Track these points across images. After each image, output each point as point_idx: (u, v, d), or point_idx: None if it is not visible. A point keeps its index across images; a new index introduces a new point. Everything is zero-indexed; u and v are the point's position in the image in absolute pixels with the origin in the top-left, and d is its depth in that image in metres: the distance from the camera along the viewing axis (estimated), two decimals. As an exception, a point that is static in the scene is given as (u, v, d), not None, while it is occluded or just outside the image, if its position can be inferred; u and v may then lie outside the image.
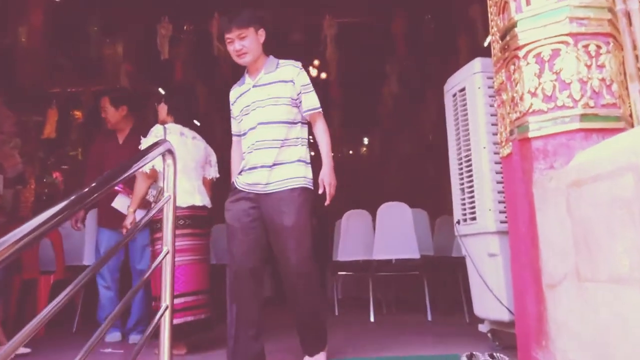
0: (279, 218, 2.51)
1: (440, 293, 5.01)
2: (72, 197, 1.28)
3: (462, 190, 2.91)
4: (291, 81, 2.66)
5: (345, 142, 14.32)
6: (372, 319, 4.33)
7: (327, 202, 2.57)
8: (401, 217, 4.38)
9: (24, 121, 6.05)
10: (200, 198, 3.26)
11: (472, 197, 2.82)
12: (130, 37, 6.69)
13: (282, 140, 2.59)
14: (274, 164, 2.56)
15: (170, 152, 2.27)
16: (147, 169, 3.15)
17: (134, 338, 3.66)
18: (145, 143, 3.16)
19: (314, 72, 9.15)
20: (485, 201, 2.71)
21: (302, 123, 2.70)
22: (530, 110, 2.02)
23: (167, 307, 2.10)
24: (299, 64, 2.75)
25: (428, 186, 12.42)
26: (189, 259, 3.16)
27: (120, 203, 3.50)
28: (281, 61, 2.74)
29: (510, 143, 2.31)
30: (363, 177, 16.74)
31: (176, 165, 2.29)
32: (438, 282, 5.13)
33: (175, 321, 3.14)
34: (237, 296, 2.56)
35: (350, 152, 17.04)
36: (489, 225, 2.68)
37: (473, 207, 2.81)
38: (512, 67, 2.16)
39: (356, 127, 13.11)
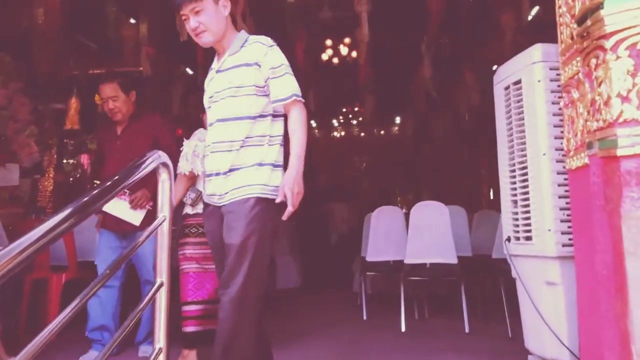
0: (227, 235, 2.03)
1: (479, 297, 4.55)
2: (67, 211, 1.18)
3: (515, 202, 2.42)
4: (255, 64, 2.08)
5: (377, 122, 13.81)
6: (403, 329, 3.91)
7: (284, 217, 2.00)
8: (438, 217, 3.91)
9: (42, 109, 5.75)
10: None
11: (528, 212, 2.33)
12: (150, 17, 6.29)
13: (241, 140, 2.07)
14: (230, 170, 2.07)
15: (165, 165, 1.86)
16: (185, 170, 2.94)
17: (144, 350, 3.34)
18: (187, 145, 2.97)
19: (344, 50, 8.63)
20: (544, 219, 2.22)
21: (275, 116, 2.13)
22: (620, 120, 1.52)
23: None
24: (269, 40, 2.14)
25: (463, 171, 11.84)
26: (200, 267, 3.05)
27: (114, 206, 3.07)
28: (251, 37, 2.17)
29: (584, 156, 1.80)
30: (394, 160, 16.20)
31: (172, 181, 1.88)
32: (477, 284, 4.67)
33: (188, 329, 3.03)
34: None
35: (382, 132, 16.50)
36: (549, 248, 2.20)
37: (528, 225, 2.32)
38: (593, 61, 1.65)
39: (388, 108, 12.58)
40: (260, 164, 2.06)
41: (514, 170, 2.43)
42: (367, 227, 5.16)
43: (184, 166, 2.95)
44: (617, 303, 1.52)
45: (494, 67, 8.20)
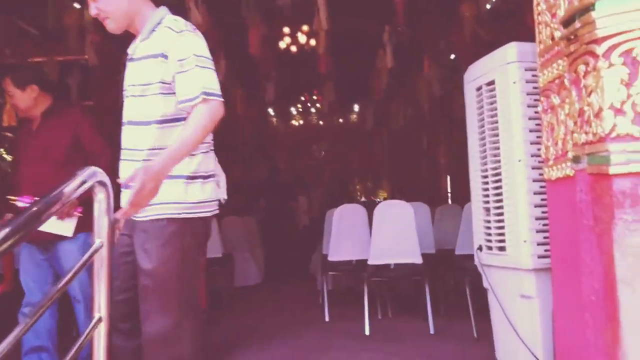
0: (140, 258, 1.73)
1: (443, 295, 4.47)
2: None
3: (487, 210, 2.29)
4: (162, 55, 1.69)
5: (335, 111, 13.63)
6: (367, 332, 3.78)
7: (118, 215, 1.60)
8: (402, 217, 3.77)
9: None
10: None
11: (501, 221, 2.19)
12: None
13: (146, 150, 1.73)
14: None
15: (102, 184, 1.60)
16: None
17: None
18: None
19: (302, 38, 8.39)
20: (519, 229, 2.09)
21: None
22: (613, 135, 1.38)
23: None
24: (181, 23, 1.74)
25: (421, 158, 11.86)
26: None
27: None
28: (165, 18, 1.77)
29: (567, 167, 1.67)
30: (353, 148, 16.11)
31: (111, 201, 1.63)
32: (440, 281, 4.59)
33: None
34: None
35: (341, 120, 16.37)
36: (524, 260, 2.07)
37: (502, 234, 2.19)
38: (582, 68, 1.50)
39: (346, 96, 12.44)
40: (179, 177, 1.71)
41: (486, 176, 2.29)
42: (329, 224, 4.99)
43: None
44: (607, 332, 1.40)
45: (452, 56, 8.22)
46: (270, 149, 15.47)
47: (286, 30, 7.86)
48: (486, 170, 2.29)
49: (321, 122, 15.77)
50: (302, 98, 14.40)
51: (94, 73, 7.33)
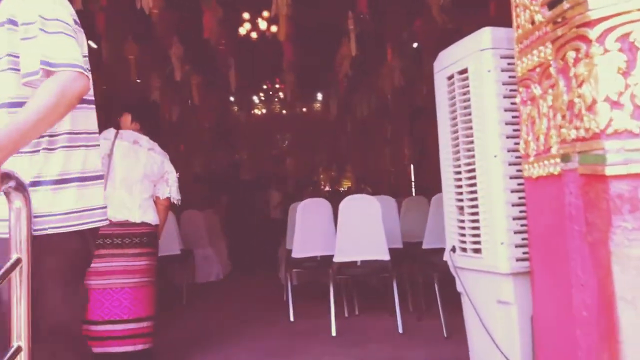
0: None
1: (410, 290, 4.33)
2: None
3: (461, 209, 2.12)
4: (9, 20, 1.37)
5: (298, 99, 13.36)
6: (333, 332, 3.60)
7: None
8: (368, 212, 3.59)
9: None
10: (140, 214, 2.85)
11: (476, 221, 2.03)
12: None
13: None
14: None
15: (19, 188, 1.33)
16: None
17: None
18: None
19: (263, 24, 8.08)
20: (495, 230, 1.93)
21: None
22: (609, 131, 1.21)
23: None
24: None
25: (386, 150, 11.75)
26: (119, 282, 2.81)
27: None
28: None
29: (551, 164, 1.50)
30: (317, 136, 15.88)
31: (30, 208, 1.37)
32: (408, 276, 4.45)
33: (110, 349, 2.78)
34: None
35: (304, 109, 16.11)
36: (501, 264, 1.91)
37: (477, 236, 2.03)
38: (571, 54, 1.32)
39: (309, 84, 12.18)
40: (36, 183, 1.39)
41: (459, 172, 2.11)
42: (292, 219, 4.78)
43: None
44: (603, 353, 1.24)
45: (415, 45, 8.10)
46: (232, 138, 15.11)
47: (246, 15, 7.54)
48: (459, 166, 2.11)
49: (284, 112, 15.49)
50: (265, 87, 14.08)
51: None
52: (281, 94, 13.93)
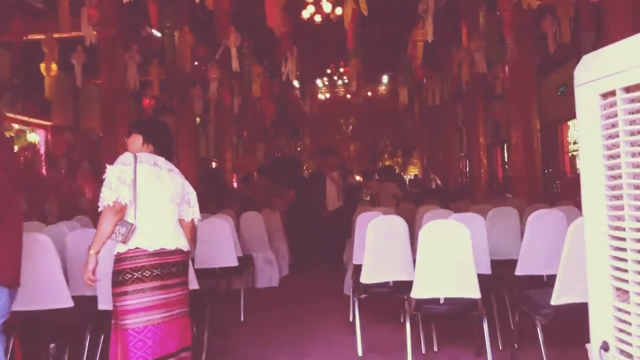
0: None
1: (501, 323, 3.64)
2: None
3: (622, 281, 1.42)
4: None
5: (363, 83, 12.62)
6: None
7: None
8: (455, 241, 2.91)
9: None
10: (173, 240, 2.58)
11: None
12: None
13: None
14: None
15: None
16: (109, 200, 2.42)
17: None
18: (110, 173, 2.47)
19: (327, 6, 7.43)
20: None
21: None
22: None
23: None
24: None
25: (458, 137, 10.86)
26: (158, 317, 2.50)
27: None
28: None
29: None
30: (382, 121, 15.11)
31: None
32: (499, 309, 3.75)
33: None
34: None
35: (369, 93, 15.31)
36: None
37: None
38: None
39: (375, 67, 11.43)
40: None
41: (618, 227, 1.41)
42: (361, 232, 4.19)
43: (107, 196, 2.43)
44: None
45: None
46: (295, 124, 14.64)
47: (309, -3, 6.91)
48: (619, 218, 1.41)
49: (349, 96, 14.79)
50: (328, 70, 13.43)
51: (100, 50, 6.59)
52: (345, 79, 13.25)
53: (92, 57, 6.75)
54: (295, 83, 14.02)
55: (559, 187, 9.82)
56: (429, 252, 2.91)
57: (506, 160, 13.16)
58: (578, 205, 5.61)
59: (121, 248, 2.48)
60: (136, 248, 2.46)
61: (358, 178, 13.56)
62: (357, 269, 4.28)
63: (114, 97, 6.79)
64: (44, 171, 7.80)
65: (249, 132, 12.79)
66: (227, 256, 4.42)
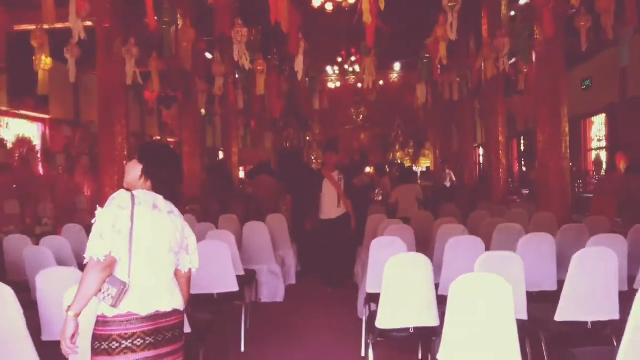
0: None
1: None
2: None
3: None
4: None
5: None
6: None
7: None
8: (497, 295, 2.40)
9: None
10: (169, 299, 2.10)
11: None
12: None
13: None
14: None
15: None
16: (100, 254, 1.95)
17: None
18: (102, 218, 1.99)
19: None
20: None
21: None
22: None
23: None
24: None
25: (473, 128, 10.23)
26: None
27: None
28: None
29: None
30: (394, 111, 14.46)
31: None
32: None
33: None
34: None
35: (381, 82, 14.66)
36: None
37: None
38: None
39: (388, 55, 10.83)
40: None
41: None
42: (375, 253, 3.72)
43: (98, 248, 1.95)
44: None
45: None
46: (304, 113, 14.08)
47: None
48: None
49: (360, 85, 14.14)
50: (339, 59, 12.80)
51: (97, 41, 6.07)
52: (357, 67, 12.60)
53: (92, 46, 6.25)
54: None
55: (581, 187, 9.28)
56: (459, 311, 2.40)
57: (522, 152, 12.59)
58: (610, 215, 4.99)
59: (108, 310, 1.99)
60: (128, 312, 1.99)
61: (369, 170, 13.05)
62: (371, 298, 3.82)
63: (111, 92, 6.28)
64: (40, 169, 7.35)
65: (256, 123, 12.25)
66: (226, 281, 3.96)
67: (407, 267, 2.94)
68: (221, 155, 12.21)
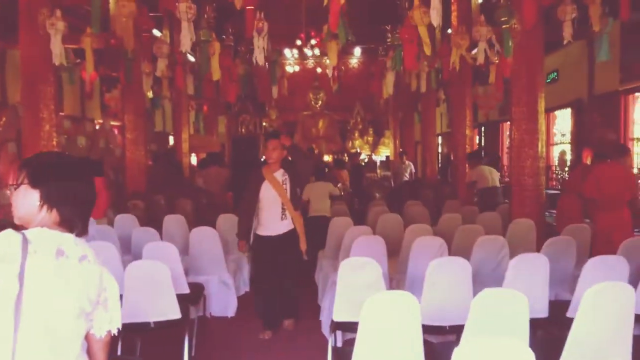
0: None
1: None
2: None
3: None
4: None
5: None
6: None
7: None
8: (513, 310, 1.84)
9: None
10: None
11: None
12: None
13: None
14: None
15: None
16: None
17: None
18: None
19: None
20: None
21: None
22: None
23: None
24: None
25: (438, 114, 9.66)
26: None
27: None
28: None
29: None
30: (355, 98, 13.81)
31: None
32: None
33: None
34: None
35: (341, 67, 13.99)
36: None
37: None
38: None
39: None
40: None
41: None
42: (343, 283, 3.13)
43: None
44: None
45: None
46: (261, 97, 13.27)
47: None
48: None
49: (319, 69, 13.45)
50: (298, 42, 12.04)
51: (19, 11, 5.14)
52: (317, 51, 11.89)
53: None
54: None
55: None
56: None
57: (483, 144, 12.31)
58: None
59: None
60: None
61: (327, 158, 12.43)
62: (339, 326, 3.24)
63: (36, 71, 5.36)
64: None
65: (209, 107, 11.36)
66: (166, 308, 3.27)
67: (390, 307, 2.34)
68: (172, 141, 11.30)
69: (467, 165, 7.41)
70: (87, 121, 9.50)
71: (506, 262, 3.69)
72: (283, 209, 4.04)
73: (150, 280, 3.23)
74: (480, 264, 3.69)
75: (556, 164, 9.13)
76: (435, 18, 3.78)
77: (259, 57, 4.50)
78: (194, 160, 12.21)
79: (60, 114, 9.73)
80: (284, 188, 4.01)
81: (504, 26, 4.71)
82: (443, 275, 3.07)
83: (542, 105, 5.39)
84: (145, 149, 7.67)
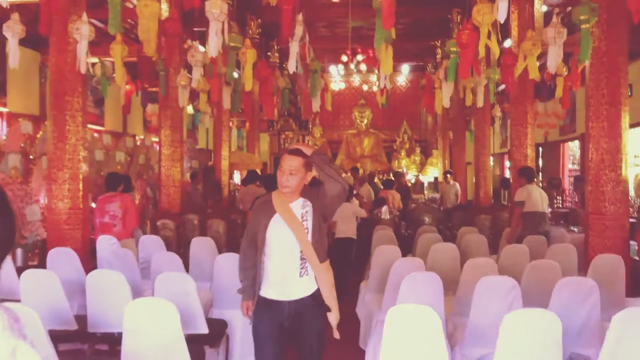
0: None
1: None
2: None
3: None
4: None
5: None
6: None
7: None
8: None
9: None
10: None
11: None
12: None
13: None
14: None
15: None
16: None
17: None
18: None
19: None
20: None
21: None
22: None
23: None
24: None
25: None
26: None
27: None
28: None
29: None
30: (401, 116, 13.13)
31: None
32: None
33: None
34: None
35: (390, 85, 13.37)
36: None
37: None
38: None
39: (396, 56, 9.57)
40: None
41: None
42: (390, 330, 2.44)
43: None
44: None
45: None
46: (304, 115, 12.80)
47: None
48: None
49: (365, 87, 12.86)
50: (344, 58, 11.51)
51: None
52: (363, 66, 11.31)
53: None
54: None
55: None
56: None
57: (541, 165, 11.31)
58: None
59: None
60: None
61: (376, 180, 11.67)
62: None
63: (62, 81, 5.00)
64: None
65: (251, 124, 10.95)
66: (173, 356, 2.66)
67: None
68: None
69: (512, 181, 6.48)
70: (128, 136, 9.25)
71: (597, 313, 2.90)
72: (302, 259, 2.47)
73: (155, 320, 2.64)
74: (563, 314, 2.89)
75: (632, 189, 8.06)
76: (502, 14, 3.08)
77: (291, 63, 3.93)
78: (237, 178, 11.83)
79: (101, 129, 9.56)
80: (304, 227, 2.46)
81: (583, 26, 3.93)
82: (521, 332, 2.33)
83: (626, 121, 4.55)
84: (182, 166, 7.24)
